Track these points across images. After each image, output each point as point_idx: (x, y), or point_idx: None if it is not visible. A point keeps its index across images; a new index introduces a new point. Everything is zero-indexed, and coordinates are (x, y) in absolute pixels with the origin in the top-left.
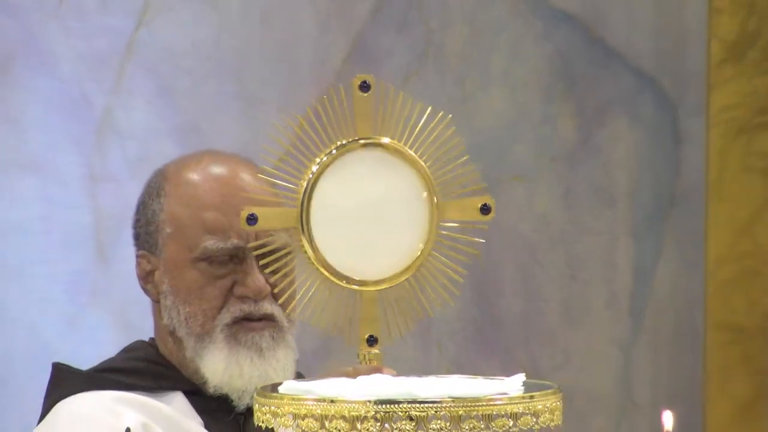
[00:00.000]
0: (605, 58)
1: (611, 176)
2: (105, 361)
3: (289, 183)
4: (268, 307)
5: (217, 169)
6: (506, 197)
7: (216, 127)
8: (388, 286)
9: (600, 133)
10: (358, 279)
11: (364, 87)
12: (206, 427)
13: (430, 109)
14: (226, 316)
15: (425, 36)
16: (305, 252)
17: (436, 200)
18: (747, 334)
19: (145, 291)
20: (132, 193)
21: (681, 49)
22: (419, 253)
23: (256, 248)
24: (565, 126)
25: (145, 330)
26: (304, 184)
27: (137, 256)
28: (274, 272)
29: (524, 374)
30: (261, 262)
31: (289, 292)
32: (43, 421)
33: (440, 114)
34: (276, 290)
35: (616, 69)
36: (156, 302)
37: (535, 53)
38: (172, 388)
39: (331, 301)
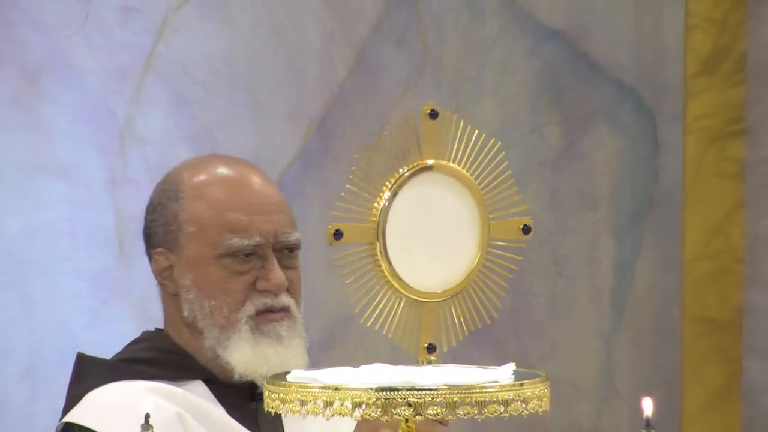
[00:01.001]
0: (589, 71)
1: (594, 180)
2: (123, 352)
3: (364, 202)
4: (285, 299)
5: (232, 173)
6: None
7: (228, 134)
8: (446, 298)
9: (583, 140)
10: (422, 291)
11: (433, 115)
12: (228, 412)
13: (484, 136)
14: (249, 309)
15: (422, 51)
16: (379, 265)
17: (488, 220)
18: (720, 326)
19: (162, 285)
20: None
21: (659, 62)
22: (472, 268)
23: (338, 258)
24: (551, 134)
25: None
26: (381, 203)
27: (154, 253)
28: (291, 267)
29: (514, 364)
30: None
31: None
32: (76, 408)
33: (492, 140)
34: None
35: (598, 81)
36: (173, 296)
37: (524, 67)
38: (191, 377)
39: (397, 311)
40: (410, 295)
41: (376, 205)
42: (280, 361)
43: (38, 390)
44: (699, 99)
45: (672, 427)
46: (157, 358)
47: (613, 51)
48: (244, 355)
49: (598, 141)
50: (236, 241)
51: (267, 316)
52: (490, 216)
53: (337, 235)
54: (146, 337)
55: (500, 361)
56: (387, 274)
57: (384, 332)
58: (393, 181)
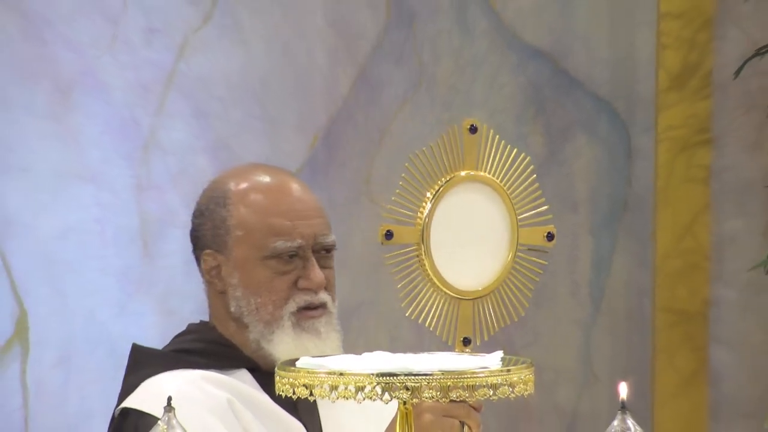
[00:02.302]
0: (569, 86)
1: (574, 185)
2: (173, 343)
3: (411, 207)
4: (323, 296)
5: (274, 181)
6: None
7: (243, 144)
8: (481, 296)
9: (564, 148)
10: (461, 289)
11: (473, 129)
12: (273, 398)
13: (515, 150)
14: (291, 306)
15: (418, 68)
16: (423, 264)
17: (517, 226)
18: (689, 317)
19: (210, 284)
20: (172, 200)
21: (633, 78)
22: (504, 269)
23: (390, 256)
24: (535, 143)
25: (183, 314)
26: (426, 207)
27: (203, 255)
28: (327, 267)
29: (502, 351)
30: (393, 271)
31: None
32: (133, 395)
33: (522, 155)
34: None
35: (577, 95)
36: (221, 293)
37: (510, 82)
38: (237, 366)
39: (438, 307)
40: (450, 293)
41: (421, 209)
42: (318, 353)
43: (70, 376)
44: (669, 111)
45: (645, 408)
46: (206, 348)
47: (591, 68)
48: (287, 348)
49: (577, 149)
50: (280, 244)
51: (306, 313)
52: (519, 223)
53: (388, 235)
54: (193, 330)
55: (489, 349)
56: (430, 273)
57: (426, 325)
58: (436, 188)
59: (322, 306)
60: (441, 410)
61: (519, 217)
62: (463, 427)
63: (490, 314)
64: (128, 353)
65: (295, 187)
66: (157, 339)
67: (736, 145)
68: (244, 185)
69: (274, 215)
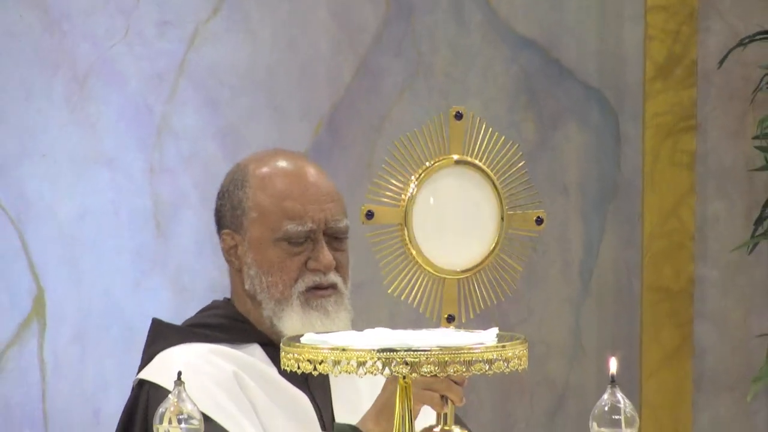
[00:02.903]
0: (559, 75)
1: (565, 170)
2: (193, 318)
3: (396, 189)
4: (333, 278)
5: (291, 166)
6: None
7: (250, 130)
8: (466, 276)
9: (555, 135)
10: (444, 269)
11: (458, 116)
12: (281, 371)
13: (503, 137)
14: (301, 285)
15: (417, 58)
16: (406, 244)
17: (504, 211)
18: (674, 294)
19: (229, 262)
20: (184, 183)
21: (621, 68)
22: (489, 252)
23: (372, 236)
24: (527, 129)
25: (194, 291)
26: (409, 190)
27: (223, 234)
28: (340, 250)
29: (497, 328)
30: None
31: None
32: (148, 367)
33: (510, 142)
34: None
35: (568, 84)
36: (238, 271)
37: (504, 72)
38: (250, 340)
39: (422, 285)
40: (433, 272)
41: (405, 191)
42: (325, 332)
43: (87, 351)
44: (656, 99)
45: (632, 381)
46: (221, 323)
47: (581, 58)
48: (294, 326)
49: (568, 136)
50: (292, 227)
51: (316, 292)
52: (508, 207)
53: (369, 215)
54: (215, 305)
55: (485, 326)
56: (413, 252)
57: (409, 302)
58: (421, 171)
59: (332, 287)
60: (421, 383)
61: (507, 202)
62: (446, 401)
63: (476, 293)
64: (142, 328)
65: (311, 172)
66: (169, 314)
67: (719, 132)
68: (261, 169)
69: (287, 199)
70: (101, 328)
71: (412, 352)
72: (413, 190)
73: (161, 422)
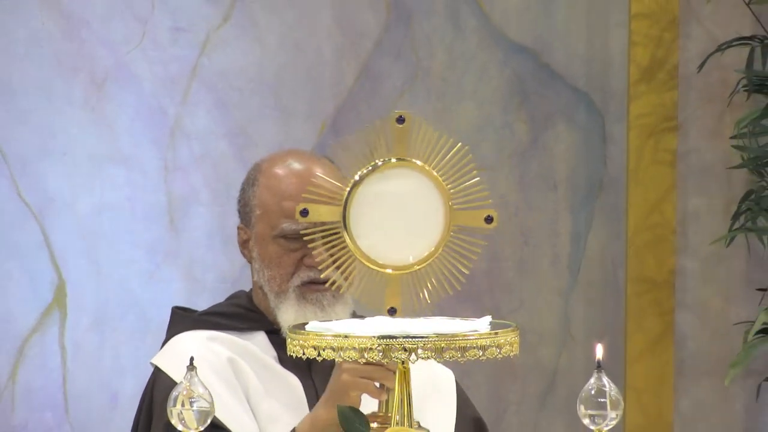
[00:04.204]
0: (550, 79)
1: (554, 167)
2: (213, 306)
3: (337, 188)
4: (330, 273)
5: (297, 166)
6: None
7: (258, 130)
8: (407, 272)
9: (546, 135)
10: (386, 264)
11: (400, 120)
12: (280, 358)
13: (451, 140)
14: (296, 280)
15: (415, 62)
16: (346, 241)
17: (450, 209)
18: (657, 285)
19: (243, 254)
20: (196, 180)
21: (607, 72)
22: (433, 249)
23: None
24: (519, 129)
25: (205, 282)
26: (348, 189)
27: (238, 228)
28: (334, 246)
29: (490, 316)
30: (311, 245)
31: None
32: (159, 352)
33: (459, 144)
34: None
35: (557, 87)
36: (249, 263)
37: (497, 75)
38: (257, 328)
39: (363, 280)
40: (374, 267)
41: (344, 191)
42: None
43: (104, 338)
44: (639, 101)
45: (617, 367)
46: (234, 312)
47: (570, 63)
48: (290, 318)
49: (557, 135)
50: (287, 226)
51: (311, 286)
52: (455, 206)
53: (304, 212)
54: (234, 295)
55: (479, 314)
56: (352, 248)
57: (349, 295)
58: (361, 172)
59: (329, 281)
60: (358, 371)
61: (454, 201)
62: (386, 390)
63: (423, 288)
64: (156, 317)
65: (316, 173)
66: (181, 303)
67: (699, 132)
68: (270, 169)
69: (287, 198)
70: (118, 316)
71: (410, 339)
72: (353, 188)
73: (174, 405)
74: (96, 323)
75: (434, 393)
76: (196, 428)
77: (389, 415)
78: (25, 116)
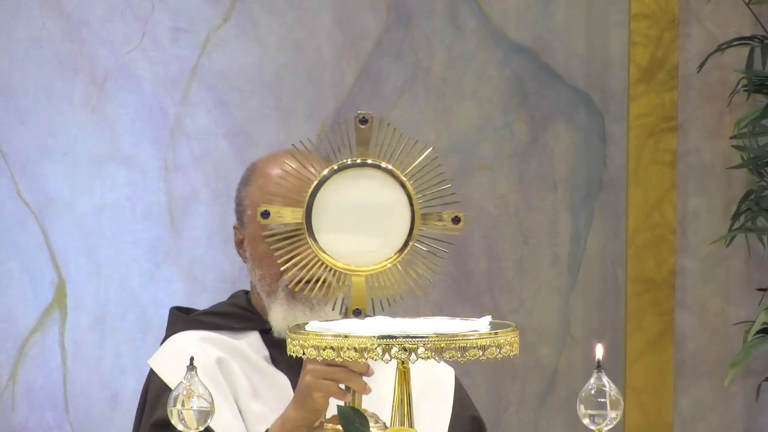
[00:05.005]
0: (549, 79)
1: (554, 167)
2: (212, 306)
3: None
4: (321, 272)
5: (287, 167)
6: (475, 183)
7: (259, 130)
8: (371, 273)
9: (545, 134)
10: (350, 266)
11: (363, 121)
12: (272, 357)
13: (417, 141)
14: (286, 279)
15: (415, 62)
16: (308, 242)
17: (416, 210)
18: (656, 285)
19: (239, 254)
20: (196, 180)
21: (607, 72)
22: (399, 250)
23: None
24: (519, 129)
25: (205, 281)
26: (310, 190)
27: (234, 227)
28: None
29: (490, 316)
30: (273, 247)
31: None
32: (155, 353)
33: (424, 145)
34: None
35: (557, 87)
36: (245, 263)
37: (497, 75)
38: (252, 328)
39: (327, 281)
40: (338, 269)
41: (305, 192)
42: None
43: (105, 337)
44: (639, 101)
45: (617, 367)
46: (229, 311)
47: (570, 63)
48: (278, 317)
49: (557, 135)
50: (276, 225)
51: (302, 285)
52: (421, 207)
53: (265, 214)
54: (234, 295)
55: (479, 314)
56: (315, 249)
57: (312, 296)
58: (323, 174)
59: (317, 281)
60: (321, 373)
61: (420, 202)
62: (352, 392)
63: (387, 288)
64: (156, 316)
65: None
66: (182, 303)
67: (698, 132)
68: (264, 168)
69: (276, 199)
70: (118, 316)
71: (410, 339)
72: (315, 190)
73: (175, 405)
74: (96, 323)
75: (430, 393)
76: (196, 428)
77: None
78: (26, 116)
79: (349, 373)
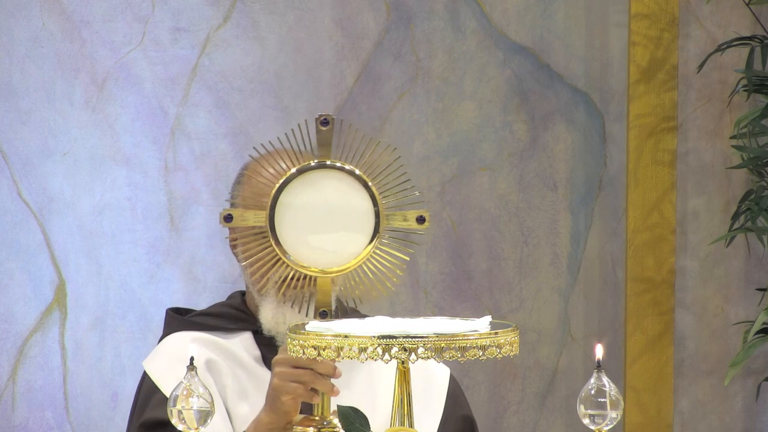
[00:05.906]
0: (549, 79)
1: (554, 167)
2: (208, 307)
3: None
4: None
5: (278, 166)
6: (475, 183)
7: (259, 130)
8: (336, 274)
9: (545, 134)
10: (313, 268)
11: (324, 122)
12: (264, 357)
13: (380, 141)
14: (274, 279)
15: (415, 63)
16: (272, 245)
17: (380, 211)
18: (656, 285)
19: (234, 254)
20: (196, 180)
21: (606, 72)
22: (364, 251)
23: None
24: (519, 129)
25: (206, 281)
26: (272, 192)
27: (229, 228)
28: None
29: (490, 316)
30: (237, 250)
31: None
32: (149, 354)
33: (388, 145)
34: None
35: (557, 87)
36: (239, 263)
37: (497, 76)
38: (245, 328)
39: (292, 283)
40: (303, 270)
41: (267, 195)
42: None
43: (105, 337)
44: (639, 101)
45: (617, 367)
46: (223, 312)
47: (570, 63)
48: (268, 316)
49: (557, 135)
50: (265, 225)
51: (293, 283)
52: (385, 208)
53: (228, 218)
54: (231, 295)
55: (479, 314)
56: (278, 252)
57: (278, 298)
58: (284, 176)
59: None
60: (288, 375)
61: (384, 202)
62: (321, 395)
63: (355, 290)
64: (156, 316)
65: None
66: (182, 304)
67: (698, 132)
68: (255, 167)
69: (265, 197)
70: (118, 316)
71: (410, 339)
72: (276, 193)
73: (175, 405)
74: (96, 323)
75: (422, 392)
76: (196, 428)
77: (325, 417)
78: (26, 116)
79: (315, 375)
